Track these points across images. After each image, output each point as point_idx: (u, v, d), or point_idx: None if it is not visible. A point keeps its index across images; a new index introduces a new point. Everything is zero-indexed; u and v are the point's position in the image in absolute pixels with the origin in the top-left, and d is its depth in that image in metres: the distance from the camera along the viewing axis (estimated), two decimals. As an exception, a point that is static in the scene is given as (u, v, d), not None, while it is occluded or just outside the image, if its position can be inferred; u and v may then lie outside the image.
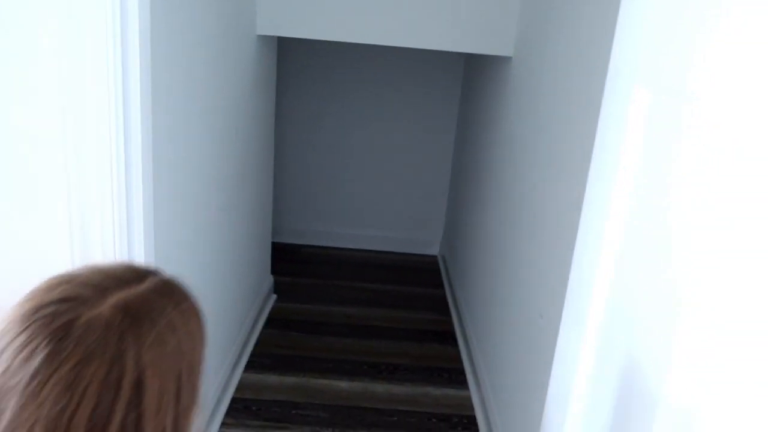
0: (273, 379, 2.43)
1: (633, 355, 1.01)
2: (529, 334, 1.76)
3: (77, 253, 1.16)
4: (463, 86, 3.57)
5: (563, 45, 1.71)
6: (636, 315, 1.01)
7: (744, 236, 0.75)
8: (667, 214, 0.93)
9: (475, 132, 3.03)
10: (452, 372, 2.60)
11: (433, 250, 3.95)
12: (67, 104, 1.09)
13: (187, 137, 1.60)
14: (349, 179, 3.83)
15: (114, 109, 1.11)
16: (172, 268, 0.72)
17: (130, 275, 0.62)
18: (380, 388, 2.44)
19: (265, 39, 2.48)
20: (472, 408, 2.36)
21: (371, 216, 3.89)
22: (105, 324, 0.56)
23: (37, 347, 0.54)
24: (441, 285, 3.49)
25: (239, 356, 2.47)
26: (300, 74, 3.62)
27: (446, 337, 2.90)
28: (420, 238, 3.93)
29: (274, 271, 3.14)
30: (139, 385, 0.56)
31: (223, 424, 2.12)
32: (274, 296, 3.10)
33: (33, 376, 0.53)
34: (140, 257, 1.23)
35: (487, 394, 2.24)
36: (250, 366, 2.49)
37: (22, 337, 0.54)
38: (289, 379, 2.43)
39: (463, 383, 2.52)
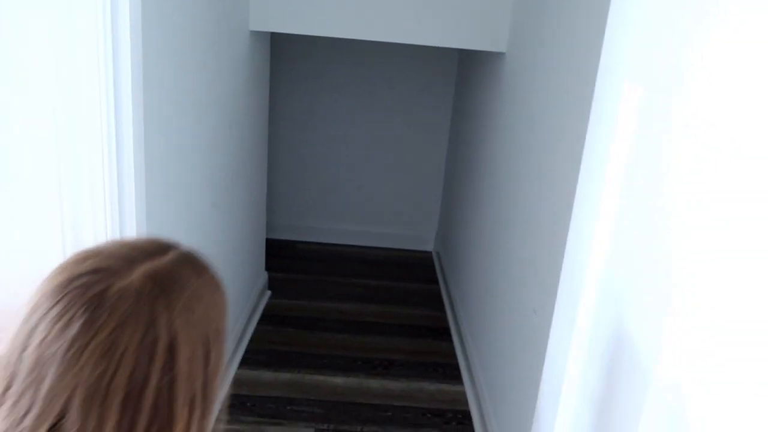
0: (268, 375, 2.43)
1: (624, 350, 1.02)
2: (522, 330, 1.77)
3: (69, 251, 1.16)
4: (457, 82, 3.57)
5: (556, 41, 1.71)
6: (626, 311, 1.02)
7: (734, 231, 0.75)
8: (657, 210, 0.93)
9: (469, 128, 3.03)
10: (447, 367, 2.61)
11: (428, 246, 3.95)
12: (58, 101, 1.09)
13: (179, 133, 1.60)
14: (343, 175, 3.83)
15: (105, 105, 1.10)
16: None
17: (154, 248, 0.65)
18: (375, 383, 2.44)
19: (257, 35, 2.47)
20: (466, 403, 2.37)
21: (365, 212, 3.90)
22: (136, 292, 0.58)
23: (73, 316, 0.56)
24: (435, 281, 3.50)
25: (234, 352, 2.47)
26: (294, 70, 3.61)
27: (441, 332, 2.91)
28: (414, 235, 3.94)
29: (268, 268, 3.14)
30: (172, 350, 0.59)
31: (218, 420, 2.12)
32: (269, 292, 3.10)
33: (71, 344, 0.55)
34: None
35: (482, 390, 2.25)
36: (245, 362, 2.50)
37: (58, 308, 0.57)
38: (284, 375, 2.44)
39: (457, 379, 2.53)
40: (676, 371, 0.85)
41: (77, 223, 1.15)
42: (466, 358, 2.57)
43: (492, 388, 2.12)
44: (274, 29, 2.34)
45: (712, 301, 0.78)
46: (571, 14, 1.59)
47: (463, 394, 2.42)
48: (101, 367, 0.55)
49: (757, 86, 0.72)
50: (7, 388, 0.57)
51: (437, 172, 3.83)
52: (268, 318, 2.88)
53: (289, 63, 3.59)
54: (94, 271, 0.59)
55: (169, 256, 0.64)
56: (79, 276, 0.59)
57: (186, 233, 1.72)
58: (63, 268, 0.60)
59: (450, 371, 2.58)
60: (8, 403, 0.57)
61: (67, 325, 0.56)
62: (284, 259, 3.54)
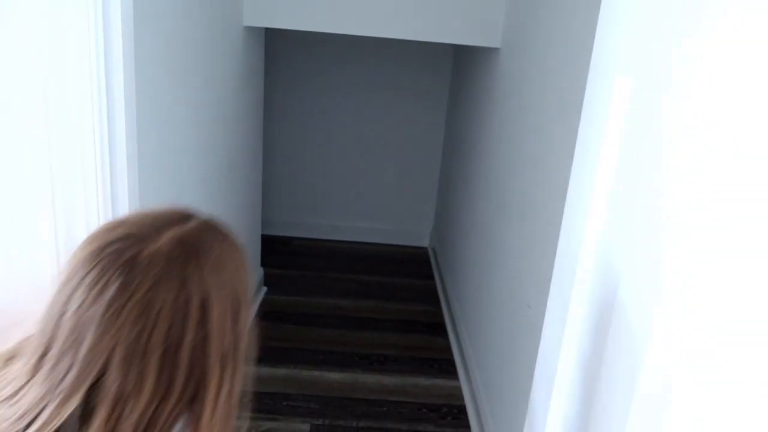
0: (263, 370, 2.43)
1: (617, 342, 1.02)
2: (517, 324, 1.77)
3: (62, 249, 1.15)
4: (452, 78, 3.57)
5: (551, 36, 1.71)
6: (619, 306, 1.02)
7: (727, 222, 0.75)
8: (649, 204, 0.94)
9: (465, 123, 3.03)
10: (442, 362, 2.61)
11: (424, 241, 3.96)
12: (49, 97, 1.08)
13: (172, 129, 1.59)
14: (338, 171, 3.82)
15: (97, 99, 1.10)
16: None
17: (177, 216, 0.68)
18: (371, 379, 2.45)
19: (251, 30, 2.47)
20: (461, 398, 2.38)
21: (361, 208, 3.90)
22: (166, 256, 0.61)
23: (108, 280, 0.59)
24: (431, 276, 3.51)
25: (229, 349, 2.47)
26: (288, 67, 3.60)
27: (436, 327, 2.91)
28: (410, 230, 3.94)
29: (264, 264, 3.14)
30: (204, 307, 0.62)
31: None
32: (265, 288, 3.10)
33: (108, 306, 0.58)
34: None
35: (477, 385, 2.26)
36: (241, 358, 2.49)
37: (93, 274, 0.59)
38: (280, 371, 2.44)
39: (453, 374, 2.54)
40: (668, 367, 0.86)
41: (69, 219, 1.15)
42: (462, 353, 2.57)
43: (487, 382, 2.13)
44: (267, 24, 2.33)
45: (709, 300, 0.79)
46: (565, 9, 1.59)
47: (459, 388, 2.43)
48: (139, 325, 0.58)
49: (753, 82, 0.72)
50: (45, 353, 0.59)
51: (433, 168, 3.83)
52: (263, 314, 2.88)
53: (284, 60, 3.58)
54: (126, 237, 0.62)
55: (192, 223, 0.67)
56: (111, 243, 0.61)
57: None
58: (94, 237, 0.63)
59: (445, 366, 2.59)
60: (46, 366, 0.59)
61: (103, 289, 0.58)
62: (280, 256, 3.54)
